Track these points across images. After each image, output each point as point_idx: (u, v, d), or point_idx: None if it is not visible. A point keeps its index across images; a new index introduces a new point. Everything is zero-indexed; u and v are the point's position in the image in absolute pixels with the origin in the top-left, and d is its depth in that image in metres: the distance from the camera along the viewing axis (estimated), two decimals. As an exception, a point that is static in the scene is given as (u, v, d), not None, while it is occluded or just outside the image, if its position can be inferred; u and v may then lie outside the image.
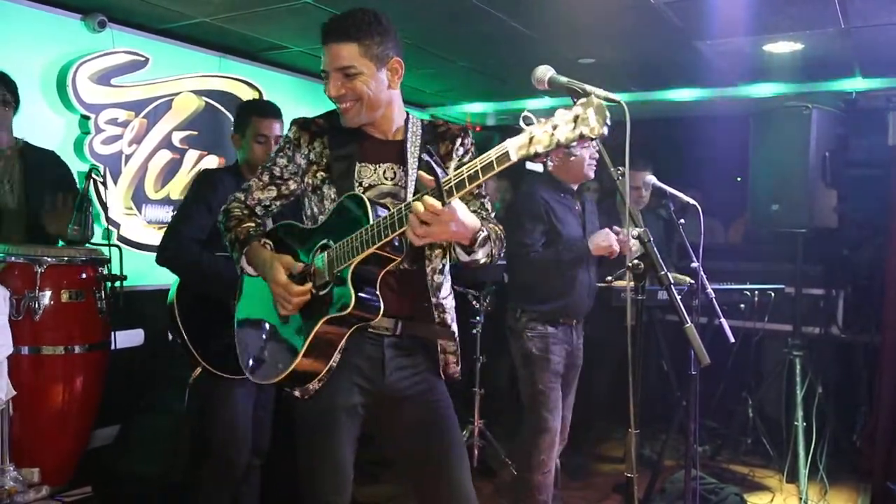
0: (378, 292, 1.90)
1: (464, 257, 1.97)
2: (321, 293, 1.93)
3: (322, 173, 2.03)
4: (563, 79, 1.86)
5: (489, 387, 4.30)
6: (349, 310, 1.84)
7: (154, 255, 2.89)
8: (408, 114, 2.14)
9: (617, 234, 3.28)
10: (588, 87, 1.82)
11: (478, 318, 4.25)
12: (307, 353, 1.92)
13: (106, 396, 3.37)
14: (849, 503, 4.21)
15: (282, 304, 1.97)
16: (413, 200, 1.74)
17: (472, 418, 4.27)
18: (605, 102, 1.82)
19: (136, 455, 3.62)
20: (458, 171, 1.70)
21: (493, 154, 1.64)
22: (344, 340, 1.95)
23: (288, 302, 1.95)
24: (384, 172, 2.04)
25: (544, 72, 1.90)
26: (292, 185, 2.12)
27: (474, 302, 4.26)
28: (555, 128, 1.57)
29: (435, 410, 2.09)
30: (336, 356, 1.96)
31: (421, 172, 1.82)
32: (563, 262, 3.27)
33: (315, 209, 2.06)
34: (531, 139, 1.59)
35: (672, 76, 5.07)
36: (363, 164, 2.03)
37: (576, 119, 1.56)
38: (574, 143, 1.57)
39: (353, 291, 1.84)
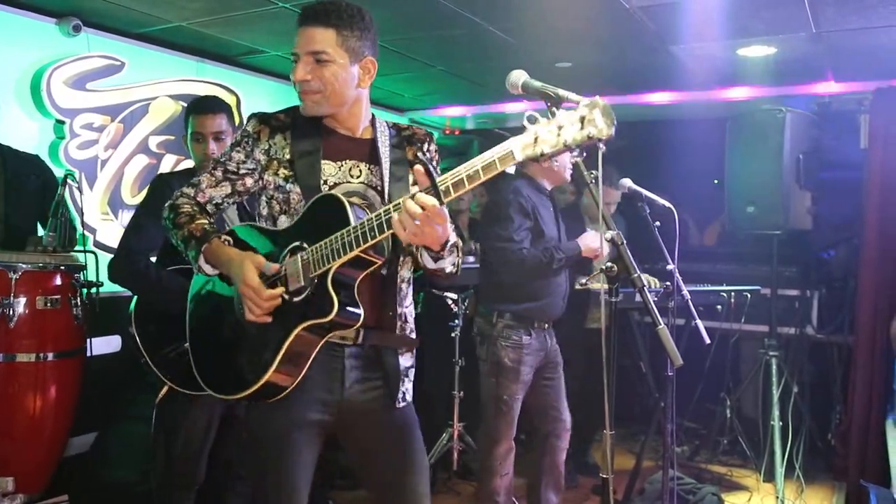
0: (357, 298, 1.81)
1: (431, 264, 1.91)
2: (295, 299, 1.82)
3: (284, 171, 1.92)
4: (537, 83, 1.86)
5: (468, 390, 4.30)
6: (331, 316, 1.75)
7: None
8: (373, 115, 2.07)
9: None
10: (561, 91, 1.83)
11: (457, 321, 4.25)
12: (280, 365, 1.81)
13: (82, 404, 3.34)
14: (824, 501, 4.27)
15: (250, 308, 1.83)
16: (407, 198, 1.66)
17: (451, 421, 4.27)
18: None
19: (113, 463, 3.58)
20: (456, 170, 1.63)
21: (496, 153, 1.57)
22: (316, 350, 1.85)
23: (258, 306, 1.81)
24: (349, 170, 1.96)
25: (518, 76, 1.91)
26: (248, 182, 1.99)
27: (453, 305, 4.26)
28: (560, 128, 1.52)
29: (393, 429, 2.01)
30: (306, 368, 1.86)
31: (417, 167, 1.69)
32: (555, 261, 3.22)
33: (277, 208, 1.94)
34: (536, 139, 1.54)
35: (648, 80, 5.10)
36: (326, 161, 1.94)
37: (582, 120, 1.51)
38: (580, 145, 1.52)
39: (334, 296, 1.74)
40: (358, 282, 1.82)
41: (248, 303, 1.82)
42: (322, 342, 1.85)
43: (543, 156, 1.54)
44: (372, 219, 1.71)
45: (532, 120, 1.55)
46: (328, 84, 1.88)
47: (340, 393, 1.94)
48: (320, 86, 1.89)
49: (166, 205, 2.03)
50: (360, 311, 1.81)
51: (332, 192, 1.85)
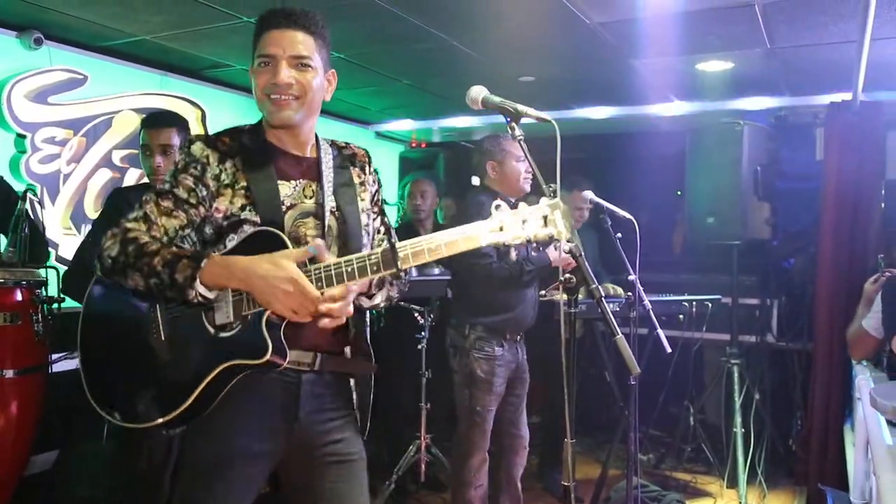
0: (283, 337, 1.72)
1: (367, 303, 1.91)
2: (221, 334, 1.73)
3: (240, 199, 1.78)
4: (497, 98, 1.89)
5: (435, 401, 4.31)
6: (265, 358, 1.69)
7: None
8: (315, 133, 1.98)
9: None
10: (520, 107, 1.87)
11: (423, 333, 4.26)
12: (195, 401, 1.72)
13: (45, 421, 3.29)
14: (785, 506, 4.35)
15: (295, 309, 1.65)
16: (368, 257, 1.68)
17: (418, 433, 4.27)
18: (537, 122, 1.89)
19: (75, 480, 3.53)
20: (417, 240, 1.66)
21: (460, 234, 1.64)
22: (230, 385, 1.73)
23: (305, 308, 1.65)
24: (303, 190, 1.87)
25: (478, 92, 1.93)
26: (202, 211, 1.79)
27: (419, 317, 4.27)
28: (524, 222, 1.61)
29: (345, 468, 1.88)
30: (223, 393, 1.73)
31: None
32: (524, 273, 3.27)
33: (227, 235, 1.79)
34: (502, 227, 1.62)
35: (610, 93, 5.19)
36: (280, 181, 1.83)
37: (545, 219, 1.60)
38: (539, 242, 1.62)
39: (269, 340, 1.69)
40: (285, 324, 1.72)
41: (292, 302, 1.64)
42: (236, 378, 1.73)
43: (506, 246, 1.64)
44: (319, 269, 1.68)
45: (497, 207, 1.64)
46: (309, 90, 1.80)
47: (293, 421, 1.82)
48: (301, 91, 1.80)
49: (111, 242, 1.76)
50: (286, 351, 1.73)
51: (273, 229, 1.75)
